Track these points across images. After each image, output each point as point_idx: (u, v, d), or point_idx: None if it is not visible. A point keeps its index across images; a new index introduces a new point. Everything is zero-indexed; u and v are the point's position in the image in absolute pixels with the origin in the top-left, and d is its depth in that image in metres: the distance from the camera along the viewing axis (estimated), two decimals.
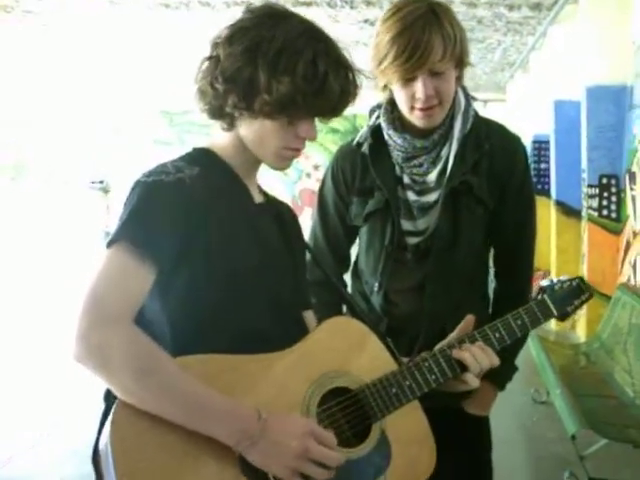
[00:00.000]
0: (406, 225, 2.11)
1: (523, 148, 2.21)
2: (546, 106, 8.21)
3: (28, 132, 16.37)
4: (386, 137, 2.12)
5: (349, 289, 2.22)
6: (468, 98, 2.12)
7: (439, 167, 2.07)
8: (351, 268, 2.32)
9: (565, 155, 7.61)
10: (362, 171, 2.16)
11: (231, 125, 1.60)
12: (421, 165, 2.08)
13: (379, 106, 2.17)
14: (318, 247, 2.24)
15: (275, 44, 1.49)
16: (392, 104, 2.11)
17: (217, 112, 1.59)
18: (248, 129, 1.59)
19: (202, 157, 1.63)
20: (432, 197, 2.09)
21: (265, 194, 1.77)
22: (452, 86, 2.00)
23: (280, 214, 1.77)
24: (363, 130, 2.19)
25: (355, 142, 2.19)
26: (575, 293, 1.92)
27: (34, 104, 15.38)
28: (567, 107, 7.48)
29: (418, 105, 1.97)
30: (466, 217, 2.08)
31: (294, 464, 1.40)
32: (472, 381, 1.73)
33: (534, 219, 2.22)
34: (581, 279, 1.95)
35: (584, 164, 6.53)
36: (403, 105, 2.01)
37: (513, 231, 2.17)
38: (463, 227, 2.08)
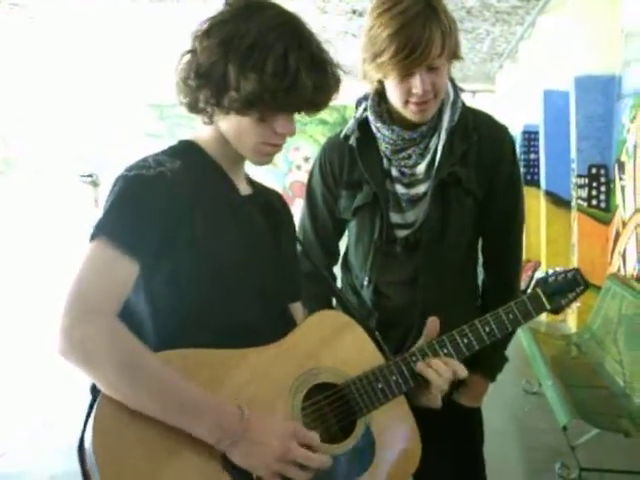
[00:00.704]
0: (395, 218, 2.10)
1: (510, 138, 2.20)
2: (535, 96, 8.21)
3: (16, 126, 16.29)
4: (374, 130, 2.10)
5: (339, 282, 2.21)
6: (456, 89, 2.11)
7: (427, 159, 2.07)
8: (340, 261, 2.30)
9: (554, 145, 7.62)
10: (350, 164, 2.15)
11: (210, 120, 1.59)
12: (409, 157, 2.07)
13: (366, 98, 2.16)
14: (307, 240, 2.22)
15: (247, 39, 1.47)
16: (379, 96, 2.10)
17: (193, 107, 1.57)
18: (226, 124, 1.57)
19: (185, 150, 1.62)
20: (421, 189, 2.08)
21: (253, 184, 1.75)
22: (446, 79, 2.00)
23: (269, 203, 1.75)
24: (350, 122, 2.17)
25: (342, 135, 2.17)
26: (570, 286, 1.88)
27: (22, 97, 15.30)
28: (556, 97, 7.49)
29: (414, 100, 1.96)
30: (455, 208, 2.07)
31: (275, 466, 1.39)
32: (435, 400, 1.70)
33: (522, 208, 2.22)
34: (577, 271, 1.91)
35: (573, 154, 6.54)
36: (397, 100, 1.99)
37: (501, 221, 2.16)
38: (453, 218, 2.07)
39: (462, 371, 1.70)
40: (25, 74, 12.98)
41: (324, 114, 14.12)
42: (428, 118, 2.03)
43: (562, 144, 7.04)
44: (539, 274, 1.87)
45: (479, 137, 2.08)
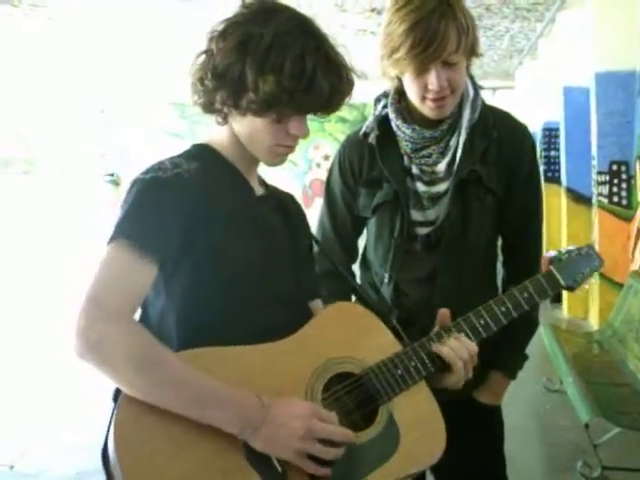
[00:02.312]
0: (416, 215, 2.10)
1: (529, 135, 2.20)
2: (555, 93, 8.17)
3: (38, 126, 16.40)
4: (394, 128, 2.10)
5: (358, 280, 2.21)
6: (476, 87, 2.11)
7: (448, 157, 2.06)
8: (359, 259, 2.31)
9: (575, 142, 7.56)
10: (369, 162, 2.15)
11: (225, 120, 1.60)
12: (430, 156, 2.07)
13: (385, 95, 2.16)
14: (326, 237, 2.23)
15: (264, 41, 1.48)
16: (399, 93, 2.10)
17: (208, 107, 1.59)
18: (240, 125, 1.58)
19: (200, 152, 1.63)
20: (442, 187, 2.08)
21: (266, 186, 1.77)
22: (463, 76, 2.00)
23: (283, 205, 1.76)
24: (369, 120, 2.17)
25: (362, 132, 2.17)
26: (585, 261, 1.87)
27: (43, 98, 15.40)
28: (576, 93, 7.44)
29: (430, 96, 1.96)
30: (476, 207, 2.07)
31: (300, 445, 1.41)
32: (457, 382, 1.70)
33: (541, 206, 2.22)
34: (590, 246, 1.90)
35: (594, 151, 6.50)
36: (414, 95, 2.00)
37: (521, 219, 2.16)
38: (473, 216, 2.08)
39: (472, 347, 1.69)
40: (46, 74, 13.05)
41: (343, 112, 14.05)
42: (446, 114, 2.03)
43: (582, 141, 7.00)
44: (550, 253, 1.84)
45: (499, 135, 2.08)
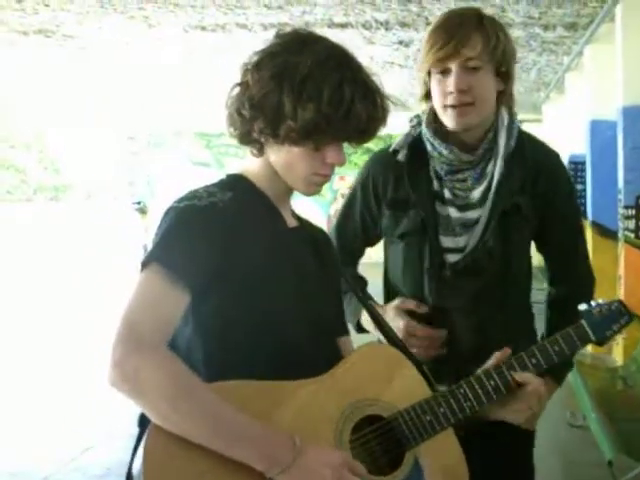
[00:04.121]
0: (446, 242, 2.07)
1: (564, 166, 2.22)
2: (582, 126, 8.15)
3: (68, 153, 16.61)
4: (429, 148, 2.07)
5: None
6: (512, 115, 2.09)
7: (484, 184, 2.04)
8: (383, 288, 2.27)
9: (601, 176, 7.52)
10: (396, 180, 2.12)
11: (260, 151, 1.61)
12: (465, 180, 2.05)
13: (418, 116, 2.15)
14: None
15: (301, 70, 1.50)
16: (434, 114, 2.08)
17: (245, 138, 1.60)
18: (276, 155, 1.59)
19: (235, 182, 1.64)
20: (475, 214, 2.05)
21: (299, 218, 1.77)
22: (488, 89, 1.99)
23: (314, 238, 1.77)
24: (399, 138, 2.14)
25: (392, 149, 2.14)
26: (614, 317, 1.86)
27: (74, 126, 15.60)
28: (603, 127, 7.41)
29: (450, 102, 1.95)
30: (516, 238, 2.06)
31: None
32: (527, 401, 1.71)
33: (582, 225, 2.24)
34: (621, 302, 1.89)
35: (620, 185, 6.46)
36: (438, 104, 2.00)
37: (565, 242, 2.17)
38: (513, 247, 2.06)
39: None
40: (77, 103, 13.23)
41: (370, 143, 13.97)
42: (468, 127, 2.00)
43: (609, 175, 6.95)
44: (581, 306, 1.85)
45: (536, 164, 2.08)
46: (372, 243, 2.26)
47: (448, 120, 1.99)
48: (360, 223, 2.21)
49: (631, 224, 6.37)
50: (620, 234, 6.63)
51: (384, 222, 2.15)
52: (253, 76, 1.54)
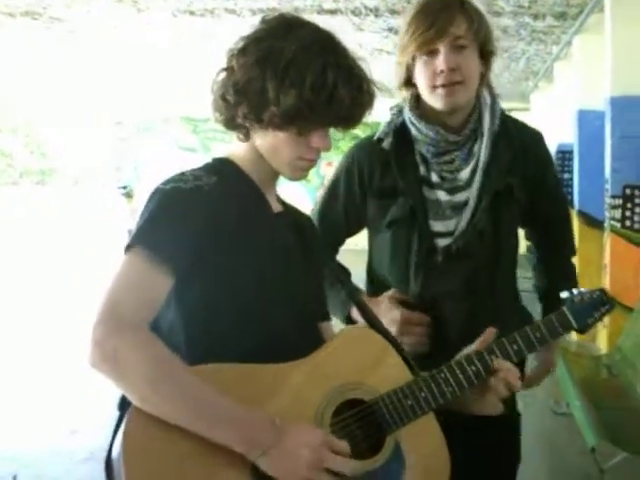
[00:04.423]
0: (436, 226, 2.08)
1: (545, 143, 2.26)
2: (570, 116, 8.17)
3: (55, 137, 16.52)
4: (414, 132, 2.08)
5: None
6: (493, 95, 2.12)
7: (472, 165, 2.06)
8: (367, 277, 2.28)
9: (589, 165, 7.54)
10: (382, 169, 2.12)
11: (246, 136, 1.61)
12: (452, 161, 2.06)
13: (398, 105, 2.16)
14: None
15: (285, 55, 1.50)
16: (416, 100, 2.10)
17: (230, 123, 1.60)
18: (262, 140, 1.59)
19: (220, 166, 1.64)
20: (463, 196, 2.07)
21: (284, 204, 1.77)
22: (475, 68, 2.01)
23: (299, 224, 1.77)
24: (382, 126, 2.15)
25: (376, 137, 2.15)
26: (596, 305, 1.86)
27: (60, 110, 15.51)
28: (591, 117, 7.43)
29: (440, 81, 1.97)
30: (506, 218, 2.09)
31: (308, 474, 1.40)
32: (499, 389, 1.70)
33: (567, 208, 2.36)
34: (603, 290, 1.90)
35: (607, 174, 6.48)
36: (424, 86, 2.01)
37: (552, 216, 2.27)
38: (504, 228, 2.09)
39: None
40: (64, 87, 13.15)
41: (357, 130, 14.00)
42: (457, 106, 2.01)
43: (596, 164, 6.97)
44: (563, 294, 1.86)
45: (522, 144, 2.11)
46: (353, 233, 2.27)
47: (437, 100, 2.00)
48: (343, 213, 2.21)
49: (617, 214, 6.39)
50: (606, 223, 6.66)
51: (370, 212, 2.15)
52: (238, 61, 1.55)
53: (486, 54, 2.05)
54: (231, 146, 1.69)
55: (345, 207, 2.20)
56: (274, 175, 1.67)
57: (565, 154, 8.95)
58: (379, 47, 8.69)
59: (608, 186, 6.49)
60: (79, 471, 4.32)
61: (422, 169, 2.08)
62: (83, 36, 8.59)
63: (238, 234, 1.54)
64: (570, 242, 2.36)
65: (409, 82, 2.08)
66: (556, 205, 2.27)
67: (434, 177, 2.08)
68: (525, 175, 2.10)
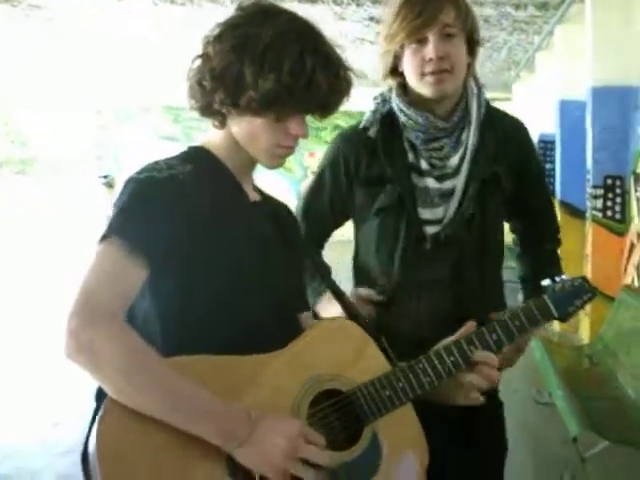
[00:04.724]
0: (424, 214, 2.07)
1: (529, 133, 2.28)
2: (552, 106, 8.19)
3: (35, 126, 16.40)
4: (403, 119, 2.07)
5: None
6: (479, 85, 2.12)
7: (460, 152, 2.06)
8: (353, 265, 2.27)
9: (570, 155, 7.58)
10: (368, 158, 2.11)
11: (222, 123, 1.60)
12: (441, 148, 2.06)
13: (382, 94, 2.15)
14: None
15: (262, 40, 1.49)
16: (403, 87, 2.10)
17: (207, 110, 1.59)
18: (238, 127, 1.58)
19: (195, 155, 1.63)
20: (451, 184, 2.06)
21: (262, 193, 1.76)
22: (463, 57, 2.01)
23: (277, 213, 1.76)
24: (367, 115, 2.14)
25: (361, 126, 2.14)
26: (577, 293, 1.85)
27: (40, 98, 15.39)
28: (573, 107, 7.45)
29: (429, 69, 1.97)
30: (493, 206, 2.09)
31: (283, 464, 1.40)
32: (478, 381, 1.70)
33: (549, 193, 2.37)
34: (584, 278, 1.89)
35: (589, 165, 6.51)
36: (413, 74, 2.01)
37: (536, 205, 2.28)
38: (490, 215, 2.08)
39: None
40: (43, 75, 13.04)
41: (340, 120, 14.06)
42: (445, 94, 2.01)
43: (578, 154, 7.00)
44: (544, 282, 1.85)
45: (505, 134, 2.12)
46: (339, 224, 2.26)
47: (426, 88, 2.00)
48: (328, 203, 2.20)
49: (599, 204, 6.43)
50: (588, 213, 6.69)
51: (357, 201, 2.14)
52: (214, 48, 1.54)
53: (473, 44, 2.05)
54: (207, 134, 1.68)
55: (331, 197, 2.18)
56: (251, 163, 1.66)
57: (547, 144, 8.97)
58: (360, 36, 8.67)
59: (589, 176, 6.52)
60: (59, 464, 4.29)
61: (411, 156, 2.08)
62: (62, 24, 8.52)
63: (213, 223, 1.53)
64: (555, 234, 2.37)
65: (395, 71, 2.07)
66: (540, 195, 2.28)
67: (423, 164, 2.07)
68: (510, 163, 2.11)
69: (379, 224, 2.10)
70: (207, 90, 1.55)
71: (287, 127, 1.57)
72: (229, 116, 1.58)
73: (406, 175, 2.06)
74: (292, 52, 1.49)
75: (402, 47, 2.01)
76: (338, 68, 1.56)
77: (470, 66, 2.07)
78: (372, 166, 2.10)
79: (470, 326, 1.74)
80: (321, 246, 2.29)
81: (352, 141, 2.16)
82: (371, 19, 7.97)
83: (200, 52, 1.57)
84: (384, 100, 2.13)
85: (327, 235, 2.29)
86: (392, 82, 2.11)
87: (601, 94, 6.29)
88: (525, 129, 2.24)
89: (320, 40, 1.56)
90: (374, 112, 2.13)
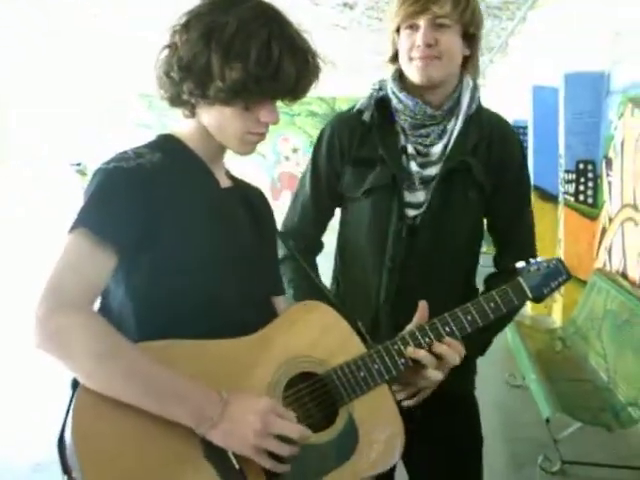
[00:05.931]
0: (408, 197, 2.09)
1: (520, 141, 2.23)
2: (524, 91, 8.23)
3: (8, 115, 16.24)
4: (394, 102, 2.10)
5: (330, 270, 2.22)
6: (475, 83, 2.15)
7: (444, 141, 2.08)
8: (337, 249, 2.27)
9: (543, 141, 7.62)
10: (360, 139, 2.13)
11: (192, 112, 1.60)
12: (428, 135, 2.08)
13: (382, 81, 2.18)
14: (306, 218, 2.21)
15: (229, 29, 1.48)
16: (400, 73, 2.12)
17: (176, 100, 1.59)
18: (208, 115, 1.58)
19: (165, 143, 1.63)
20: (432, 171, 2.08)
21: (234, 179, 1.76)
22: (454, 47, 2.02)
23: (249, 198, 1.76)
24: (363, 99, 2.17)
25: (356, 109, 2.17)
26: (552, 275, 1.88)
27: (13, 86, 15.24)
28: (545, 93, 7.49)
29: (416, 54, 2.00)
30: (459, 197, 2.08)
31: (256, 441, 1.41)
32: (434, 375, 1.73)
33: (530, 210, 2.25)
34: (559, 260, 1.91)
35: (561, 150, 6.57)
36: (404, 57, 2.04)
37: (512, 214, 2.18)
38: (454, 206, 2.07)
39: (462, 350, 1.75)
40: (16, 63, 12.91)
41: (313, 105, 14.14)
42: (432, 80, 2.02)
43: (550, 140, 7.06)
44: (519, 264, 1.86)
45: (491, 135, 2.12)
46: (339, 203, 2.25)
47: (413, 72, 2.03)
48: (326, 187, 2.20)
49: (571, 188, 6.49)
50: (560, 198, 6.75)
51: (346, 179, 2.15)
52: (181, 37, 1.53)
53: (470, 37, 2.06)
54: (177, 123, 1.68)
55: (328, 179, 2.19)
56: (221, 150, 1.67)
57: (520, 129, 9.01)
58: (335, 22, 8.66)
59: (562, 161, 6.57)
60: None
61: (402, 139, 2.11)
62: (37, 13, 8.43)
63: (183, 210, 1.53)
64: (530, 248, 2.24)
65: (396, 57, 2.11)
66: (515, 210, 2.19)
67: (410, 149, 2.09)
68: (489, 161, 2.10)
69: (371, 205, 2.11)
70: (175, 81, 1.54)
71: (257, 115, 1.56)
72: (198, 105, 1.58)
73: (398, 157, 2.09)
74: (258, 40, 1.48)
75: (398, 30, 2.06)
76: (306, 54, 1.56)
77: (468, 59, 2.10)
78: (362, 148, 2.12)
79: (422, 307, 1.77)
80: (325, 227, 2.29)
81: (347, 123, 2.18)
82: (345, 5, 7.96)
83: (167, 42, 1.56)
84: (380, 88, 2.16)
85: (331, 214, 2.29)
86: (392, 68, 2.15)
87: (573, 80, 6.34)
88: (511, 131, 2.22)
89: (287, 27, 1.55)
90: (369, 97, 2.16)
